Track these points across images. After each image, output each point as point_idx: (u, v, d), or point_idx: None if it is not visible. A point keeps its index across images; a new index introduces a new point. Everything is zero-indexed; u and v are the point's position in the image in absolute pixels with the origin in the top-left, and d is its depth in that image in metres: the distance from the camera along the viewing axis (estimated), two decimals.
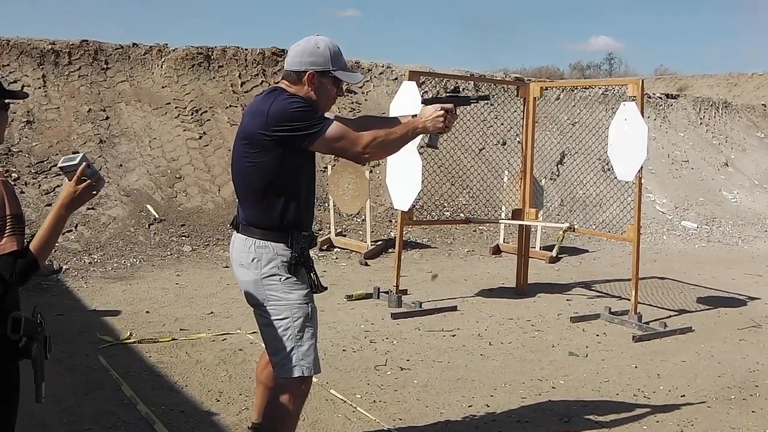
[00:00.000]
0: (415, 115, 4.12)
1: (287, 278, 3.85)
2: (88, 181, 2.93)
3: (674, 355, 7.25)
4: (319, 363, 4.01)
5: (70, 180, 2.93)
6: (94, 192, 2.98)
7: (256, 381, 4.58)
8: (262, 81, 15.14)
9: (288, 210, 3.85)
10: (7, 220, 2.86)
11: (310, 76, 3.85)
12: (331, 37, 3.95)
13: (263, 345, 4.05)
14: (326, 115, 3.85)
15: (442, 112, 4.02)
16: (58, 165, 3.00)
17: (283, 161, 3.77)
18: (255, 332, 7.17)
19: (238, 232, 3.94)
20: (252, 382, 5.94)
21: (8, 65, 13.02)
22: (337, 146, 3.83)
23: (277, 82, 4.09)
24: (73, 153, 3.14)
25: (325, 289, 4.08)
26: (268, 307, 3.86)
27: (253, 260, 3.85)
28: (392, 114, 8.20)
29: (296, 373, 3.87)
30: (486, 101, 4.67)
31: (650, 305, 9.12)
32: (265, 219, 3.83)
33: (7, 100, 3.08)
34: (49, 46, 13.64)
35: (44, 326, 3.06)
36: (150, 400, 5.51)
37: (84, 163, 2.90)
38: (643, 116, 8.06)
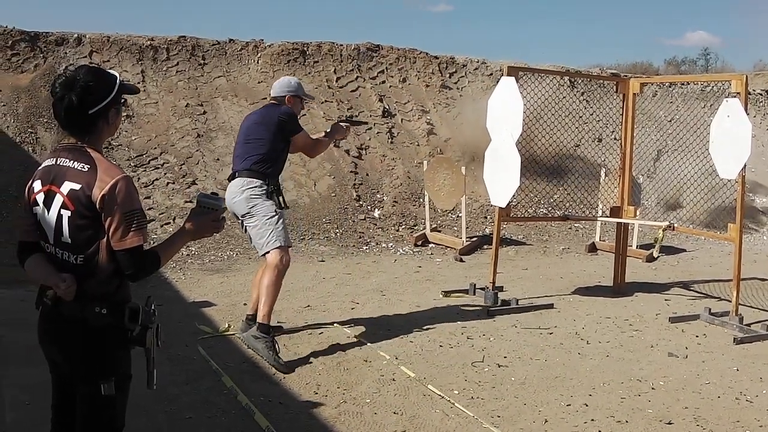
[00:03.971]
0: (327, 132, 7.31)
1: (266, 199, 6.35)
2: (220, 224, 3.30)
3: None
4: (290, 239, 6.58)
5: (198, 208, 3.26)
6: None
7: (252, 288, 6.68)
8: (357, 76, 15.21)
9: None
10: (133, 215, 3.00)
11: (289, 98, 6.90)
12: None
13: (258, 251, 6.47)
14: None
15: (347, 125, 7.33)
16: (204, 199, 3.31)
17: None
18: (351, 326, 7.25)
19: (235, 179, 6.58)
20: (348, 374, 6.04)
21: (108, 61, 13.30)
22: (302, 143, 6.91)
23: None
24: (212, 193, 3.35)
25: (288, 207, 6.69)
26: (254, 212, 6.28)
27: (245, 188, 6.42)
28: (491, 110, 8.30)
29: (277, 244, 6.17)
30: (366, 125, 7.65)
31: (751, 307, 8.88)
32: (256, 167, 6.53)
33: (123, 96, 3.21)
34: (148, 42, 13.90)
35: (156, 315, 3.18)
36: (249, 391, 5.60)
37: (225, 208, 3.41)
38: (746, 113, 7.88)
